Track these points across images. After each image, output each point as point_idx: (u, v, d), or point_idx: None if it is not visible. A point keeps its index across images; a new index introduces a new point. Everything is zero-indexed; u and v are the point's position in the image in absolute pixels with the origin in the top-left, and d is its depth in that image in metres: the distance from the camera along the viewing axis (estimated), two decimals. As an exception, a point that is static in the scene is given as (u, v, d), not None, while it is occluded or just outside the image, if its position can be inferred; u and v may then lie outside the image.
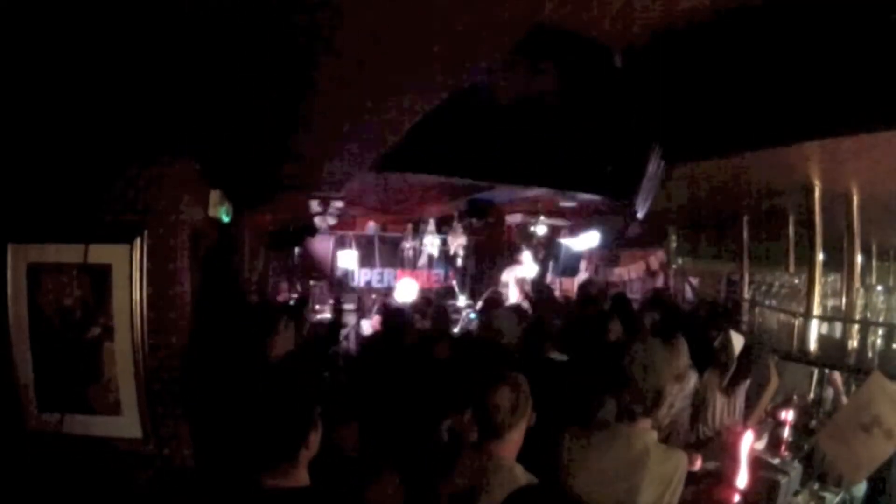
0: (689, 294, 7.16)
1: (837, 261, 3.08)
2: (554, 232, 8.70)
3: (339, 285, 8.25)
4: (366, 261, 9.83)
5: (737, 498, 2.93)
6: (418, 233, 9.84)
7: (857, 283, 2.99)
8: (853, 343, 2.88)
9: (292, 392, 1.75)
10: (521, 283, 7.68)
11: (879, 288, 3.29)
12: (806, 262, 3.15)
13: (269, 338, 2.99)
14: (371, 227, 9.83)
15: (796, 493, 3.11)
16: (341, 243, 9.57)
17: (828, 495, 3.18)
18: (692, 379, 3.53)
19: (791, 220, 3.63)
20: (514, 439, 2.09)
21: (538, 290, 5.91)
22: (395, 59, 1.93)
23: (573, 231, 8.63)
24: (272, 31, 1.72)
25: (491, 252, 10.41)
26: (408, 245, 10.01)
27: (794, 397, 3.88)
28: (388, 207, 8.22)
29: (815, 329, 2.97)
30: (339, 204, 6.71)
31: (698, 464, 2.97)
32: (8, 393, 2.72)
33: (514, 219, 8.53)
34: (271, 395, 1.72)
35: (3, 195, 2.72)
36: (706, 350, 3.80)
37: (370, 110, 2.53)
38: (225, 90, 2.27)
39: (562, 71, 3.71)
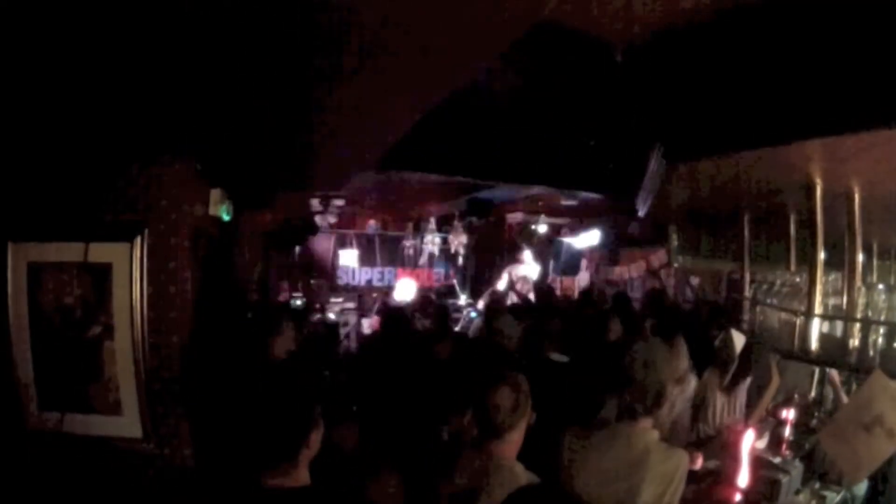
0: (690, 293, 7.17)
1: (838, 259, 3.07)
2: (555, 231, 8.70)
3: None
4: (366, 259, 9.84)
5: (738, 497, 2.93)
6: (419, 231, 9.85)
7: (858, 281, 2.98)
8: (854, 342, 2.87)
9: (293, 391, 1.75)
10: (521, 281, 7.68)
11: (881, 287, 3.28)
12: (807, 260, 3.15)
13: (272, 338, 2.99)
14: (372, 225, 9.84)
15: (797, 492, 3.11)
16: (342, 242, 9.58)
17: (829, 494, 3.18)
18: (692, 381, 3.53)
19: (792, 218, 3.62)
20: (515, 439, 2.09)
21: (540, 290, 5.91)
22: (395, 57, 1.93)
23: (574, 230, 8.62)
24: (272, 31, 1.72)
25: (492, 251, 10.41)
26: (408, 244, 10.01)
27: (796, 396, 3.87)
28: (388, 206, 8.22)
29: (816, 328, 2.96)
30: (339, 202, 6.72)
31: (699, 463, 2.97)
32: (8, 392, 2.72)
33: (514, 217, 8.53)
34: (272, 394, 1.72)
35: (3, 194, 2.72)
36: (707, 349, 3.80)
37: (371, 109, 2.53)
38: (225, 89, 2.27)
39: (562, 69, 3.70)
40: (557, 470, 2.25)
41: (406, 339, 4.16)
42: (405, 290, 8.61)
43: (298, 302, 7.63)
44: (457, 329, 7.11)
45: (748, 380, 3.64)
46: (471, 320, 7.59)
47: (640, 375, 2.20)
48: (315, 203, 6.71)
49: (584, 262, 9.13)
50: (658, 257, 7.95)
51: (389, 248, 10.11)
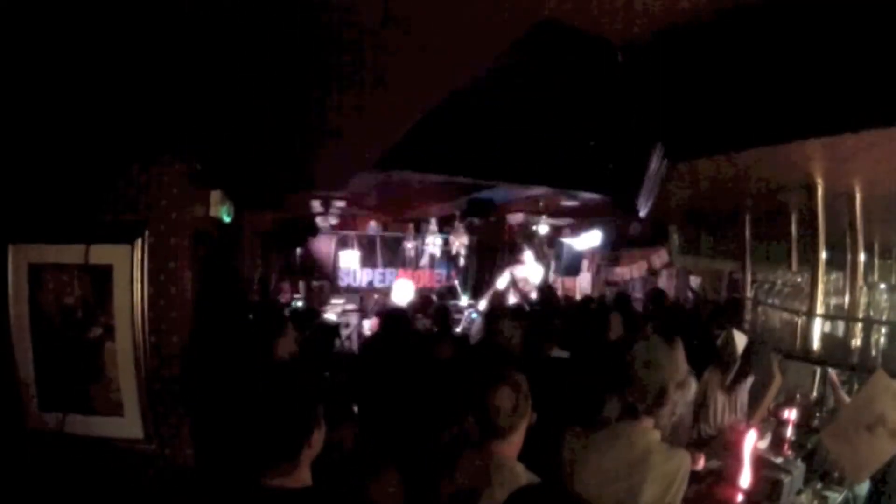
0: (690, 294, 7.16)
1: (840, 259, 3.07)
2: (556, 231, 8.70)
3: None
4: (368, 261, 9.84)
5: (740, 497, 2.92)
6: (420, 232, 9.85)
7: (860, 281, 2.98)
8: (856, 342, 2.86)
9: (295, 391, 1.74)
10: (522, 281, 7.68)
11: (883, 286, 3.28)
12: (808, 260, 3.15)
13: (275, 340, 2.99)
14: (372, 226, 9.84)
15: (799, 492, 3.10)
16: (343, 243, 9.59)
17: (831, 494, 3.17)
18: (693, 384, 3.52)
19: (793, 218, 3.61)
20: (515, 439, 2.09)
21: (542, 291, 5.91)
22: (396, 57, 1.93)
23: (575, 230, 8.62)
24: (273, 32, 1.72)
25: (492, 251, 10.41)
26: (409, 245, 10.02)
27: (797, 396, 3.87)
28: (389, 207, 8.22)
29: (818, 328, 2.95)
30: (340, 204, 6.72)
31: (701, 463, 2.97)
32: (9, 393, 2.72)
33: (515, 218, 8.52)
34: (274, 394, 1.71)
35: (4, 196, 2.72)
36: (709, 349, 3.79)
37: (371, 109, 2.53)
38: (225, 90, 2.27)
39: (563, 69, 3.70)
40: (558, 470, 2.25)
41: (406, 340, 4.16)
42: (403, 292, 8.62)
43: (300, 303, 7.64)
44: (458, 330, 7.11)
45: (749, 379, 3.63)
46: (472, 321, 7.59)
47: (641, 374, 2.20)
48: (316, 204, 6.72)
49: (585, 263, 9.13)
50: (659, 257, 7.95)
51: (390, 249, 10.11)
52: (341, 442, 2.30)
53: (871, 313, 3.07)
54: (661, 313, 4.68)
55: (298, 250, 7.96)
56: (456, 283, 9.88)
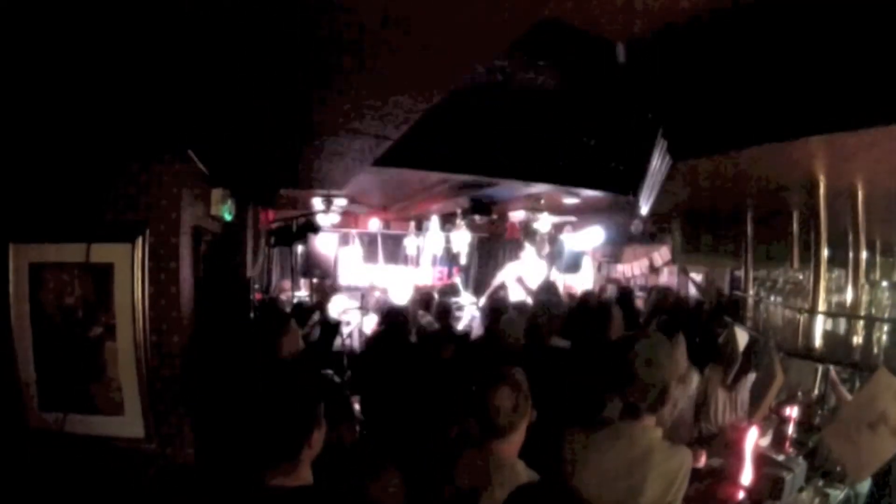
0: (692, 291, 7.15)
1: (841, 257, 3.06)
2: (557, 229, 8.69)
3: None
4: (369, 258, 9.84)
5: (741, 495, 2.92)
6: (421, 230, 9.85)
7: (862, 279, 2.96)
8: (858, 339, 2.85)
9: (295, 391, 1.74)
10: (522, 280, 7.68)
11: (885, 284, 3.26)
12: (810, 258, 3.14)
13: (280, 337, 3.00)
14: (374, 224, 9.84)
15: (801, 490, 3.10)
16: (344, 241, 9.58)
17: (832, 492, 3.17)
18: (694, 379, 3.52)
19: (795, 215, 3.60)
20: (516, 438, 2.09)
21: (543, 288, 5.90)
22: (396, 55, 1.92)
23: (577, 228, 8.62)
24: (273, 29, 1.72)
25: (494, 249, 10.41)
26: (411, 243, 10.01)
27: (799, 394, 3.86)
28: (390, 205, 8.21)
29: (819, 325, 2.94)
30: (341, 202, 6.72)
31: (703, 460, 2.97)
32: (10, 392, 2.72)
33: (517, 216, 8.52)
34: (274, 394, 1.71)
35: (4, 195, 2.72)
36: (711, 346, 3.79)
37: (372, 107, 2.52)
38: (226, 88, 2.27)
39: (565, 66, 3.70)
40: (560, 468, 2.25)
41: (407, 338, 4.16)
42: (402, 289, 8.62)
43: (304, 300, 7.64)
44: (460, 327, 7.11)
45: (750, 377, 3.63)
46: (473, 318, 7.60)
47: (642, 373, 2.19)
48: (317, 202, 6.71)
49: (586, 261, 9.13)
50: (660, 255, 7.95)
51: (392, 246, 10.11)
52: (342, 441, 2.30)
53: (873, 311, 3.06)
54: (664, 310, 4.67)
55: (300, 248, 7.95)
56: (457, 280, 9.88)
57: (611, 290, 7.24)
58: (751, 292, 4.09)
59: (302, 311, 5.71)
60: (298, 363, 2.93)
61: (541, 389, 2.21)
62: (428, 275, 10.05)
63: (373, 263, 9.83)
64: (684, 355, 3.36)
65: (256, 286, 6.33)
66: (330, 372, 3.88)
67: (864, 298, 3.03)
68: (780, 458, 3.17)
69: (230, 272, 4.20)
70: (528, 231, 8.61)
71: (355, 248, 9.66)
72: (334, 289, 7.69)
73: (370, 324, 7.51)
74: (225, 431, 2.50)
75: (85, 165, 2.80)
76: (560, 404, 2.57)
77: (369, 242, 9.92)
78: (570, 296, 8.01)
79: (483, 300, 7.86)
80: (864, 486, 3.18)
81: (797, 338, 2.99)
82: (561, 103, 4.39)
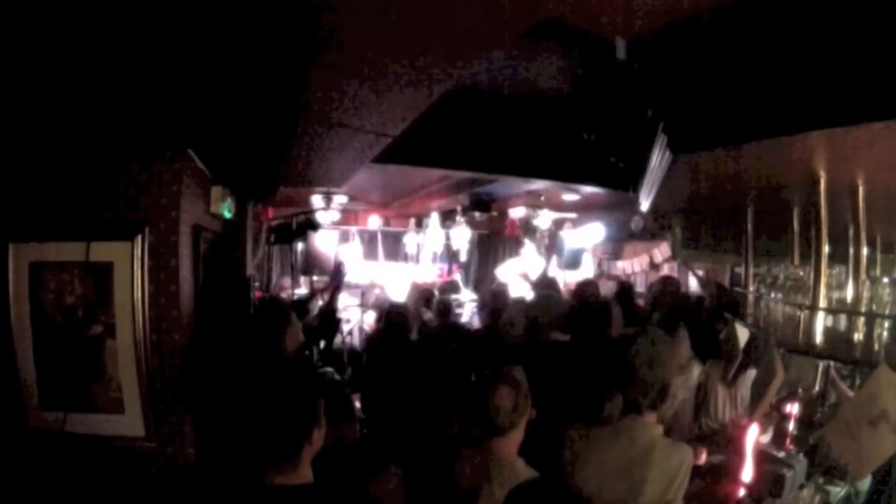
0: (693, 287, 7.14)
1: (841, 253, 3.06)
2: (557, 225, 8.69)
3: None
4: (369, 256, 9.84)
5: (742, 492, 2.92)
6: (421, 227, 9.84)
7: (862, 275, 2.96)
8: (859, 336, 2.85)
9: (295, 390, 1.74)
10: (526, 276, 7.68)
11: (885, 280, 3.26)
12: (810, 254, 3.13)
13: (283, 331, 3.00)
14: (374, 221, 9.83)
15: (801, 487, 3.10)
16: (344, 238, 9.58)
17: (833, 489, 3.17)
18: (695, 370, 3.52)
19: (796, 212, 3.60)
20: (515, 437, 2.09)
21: (543, 284, 5.89)
22: (397, 53, 1.92)
23: (577, 224, 8.61)
24: (273, 27, 1.71)
25: (494, 246, 10.40)
26: (411, 240, 10.01)
27: (800, 390, 3.86)
28: (390, 202, 8.21)
29: (820, 322, 2.94)
30: (341, 199, 6.71)
31: (703, 458, 2.97)
32: (10, 391, 2.72)
33: (517, 212, 8.51)
34: (274, 392, 1.71)
35: (3, 194, 2.71)
36: (712, 342, 3.78)
37: (372, 104, 2.52)
38: (226, 86, 2.26)
39: (565, 62, 3.69)
40: (561, 465, 2.24)
41: (407, 336, 4.15)
42: (398, 285, 8.61)
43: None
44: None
45: (750, 372, 3.63)
46: (473, 315, 7.60)
47: (643, 371, 2.19)
48: (317, 199, 6.71)
49: (586, 257, 9.12)
50: (661, 251, 7.94)
51: (392, 243, 10.11)
52: (343, 439, 2.30)
53: (874, 307, 3.06)
54: (665, 304, 4.65)
55: (300, 246, 7.94)
56: (458, 277, 9.88)
57: (610, 286, 7.23)
58: (751, 289, 4.09)
59: (300, 305, 5.70)
60: (298, 362, 2.93)
61: (541, 387, 2.20)
62: (428, 272, 10.04)
63: (373, 261, 9.82)
64: (687, 347, 3.36)
65: (256, 284, 6.32)
66: (330, 370, 3.88)
67: (865, 295, 3.03)
68: (781, 455, 3.17)
69: (230, 270, 4.20)
70: (528, 228, 8.61)
71: (355, 246, 9.65)
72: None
73: (370, 321, 7.51)
74: (225, 430, 2.50)
75: (84, 164, 2.79)
76: (560, 402, 2.56)
77: (369, 240, 9.91)
78: (571, 292, 8.02)
79: (483, 297, 7.87)
80: (865, 483, 3.19)
81: (798, 334, 2.99)
82: (561, 99, 4.39)
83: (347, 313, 7.73)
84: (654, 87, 2.76)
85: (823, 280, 2.97)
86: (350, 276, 9.35)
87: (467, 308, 8.16)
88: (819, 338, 2.92)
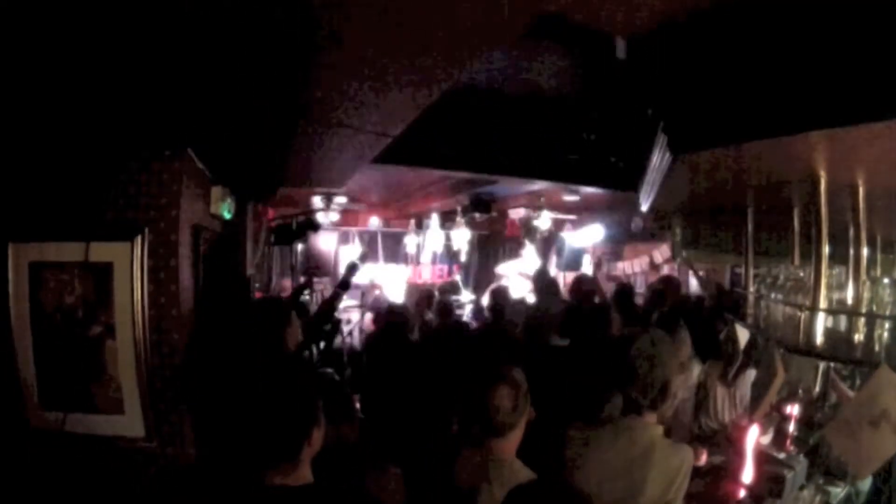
0: (693, 287, 7.14)
1: (842, 253, 3.05)
2: (557, 226, 8.68)
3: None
4: (369, 257, 9.84)
5: (742, 492, 2.92)
6: (421, 228, 9.85)
7: (863, 275, 2.95)
8: (859, 336, 2.85)
9: (294, 389, 1.74)
10: (525, 276, 7.69)
11: (886, 281, 3.25)
12: (810, 254, 3.13)
13: (284, 330, 3.00)
14: (374, 222, 9.83)
15: (802, 488, 3.10)
16: (344, 239, 9.58)
17: (833, 490, 3.17)
18: (695, 369, 3.52)
19: (796, 212, 3.59)
20: (515, 437, 2.09)
21: (542, 282, 5.89)
22: (396, 53, 1.91)
23: (577, 225, 8.61)
24: (273, 26, 1.71)
25: (494, 246, 10.40)
26: (411, 240, 10.01)
27: (800, 391, 3.86)
28: (390, 203, 8.21)
29: (821, 322, 2.93)
30: (341, 199, 6.71)
31: (704, 458, 2.96)
32: (10, 391, 2.72)
33: (517, 213, 8.51)
34: (273, 392, 1.71)
35: (3, 194, 2.71)
36: (712, 342, 3.78)
37: (372, 104, 2.51)
38: (225, 86, 2.26)
39: (565, 62, 3.69)
40: (561, 465, 2.24)
41: (406, 336, 4.15)
42: (396, 286, 8.61)
43: (305, 297, 7.63)
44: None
45: (749, 372, 3.63)
46: (474, 316, 7.60)
47: (643, 371, 2.19)
48: (317, 200, 6.71)
49: (586, 258, 9.12)
50: (661, 252, 7.93)
51: (392, 244, 10.11)
52: (344, 439, 2.29)
53: (874, 308, 3.05)
54: (668, 305, 4.65)
55: (300, 246, 7.95)
56: (458, 278, 9.88)
57: (610, 286, 7.23)
58: (751, 289, 4.08)
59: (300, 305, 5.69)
60: (298, 361, 2.93)
61: (541, 388, 2.20)
62: (427, 272, 10.04)
63: (373, 261, 9.83)
64: (688, 347, 3.36)
65: (256, 285, 6.31)
66: (330, 370, 3.88)
67: (866, 295, 3.02)
68: (781, 455, 3.17)
69: (230, 271, 4.20)
70: (528, 228, 8.61)
71: (355, 247, 9.66)
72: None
73: (369, 321, 7.51)
74: (225, 430, 2.49)
75: (84, 164, 2.79)
76: (560, 403, 2.56)
77: (369, 240, 9.92)
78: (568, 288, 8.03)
79: (485, 299, 7.87)
80: (866, 483, 3.18)
81: (798, 335, 2.98)
82: (561, 99, 4.38)
83: (348, 313, 7.73)
84: (654, 87, 2.76)
85: (824, 280, 2.96)
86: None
87: (467, 309, 8.16)
88: (819, 338, 2.91)
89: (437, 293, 7.06)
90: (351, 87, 2.28)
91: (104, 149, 2.79)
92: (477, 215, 7.28)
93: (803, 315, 2.99)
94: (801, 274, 3.47)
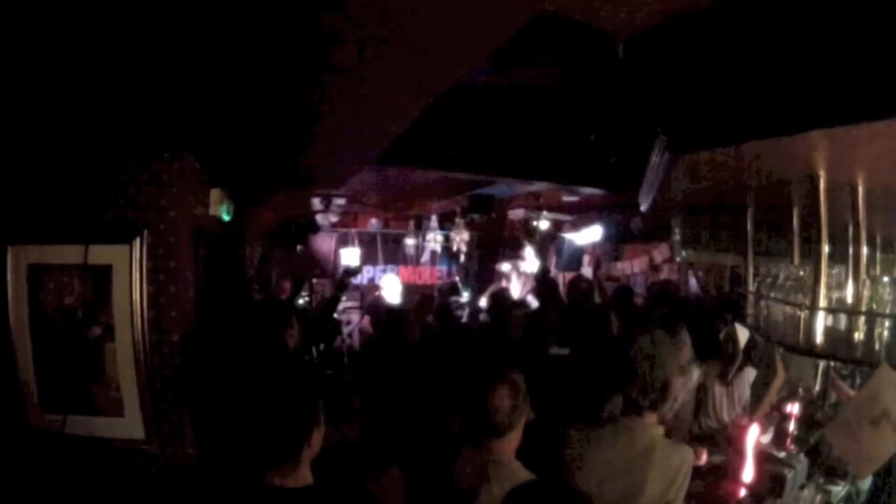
0: (693, 287, 7.14)
1: (841, 252, 3.05)
2: (556, 226, 8.68)
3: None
4: (368, 258, 9.83)
5: (742, 492, 2.92)
6: (421, 229, 9.84)
7: (863, 274, 2.96)
8: (859, 335, 2.85)
9: (294, 390, 1.73)
10: (524, 276, 7.69)
11: (886, 279, 3.26)
12: (810, 253, 3.13)
13: (285, 330, 3.00)
14: (373, 223, 9.82)
15: (802, 487, 3.10)
16: (343, 240, 9.57)
17: (833, 489, 3.17)
18: (695, 372, 3.52)
19: (796, 211, 3.59)
20: (514, 437, 2.09)
21: (542, 283, 5.89)
22: (394, 52, 1.91)
23: (576, 225, 8.61)
24: (273, 29, 1.71)
25: (494, 247, 10.40)
26: (410, 242, 10.00)
27: (800, 390, 3.86)
28: (390, 204, 8.21)
29: (821, 321, 2.93)
30: (340, 201, 6.71)
31: (704, 458, 2.96)
32: (10, 394, 2.71)
33: (516, 214, 8.51)
34: (273, 392, 1.71)
35: (2, 196, 2.71)
36: (712, 343, 3.78)
37: (371, 105, 2.51)
38: (224, 88, 2.26)
39: (563, 61, 3.68)
40: (562, 465, 2.24)
41: (406, 337, 4.15)
42: (391, 288, 8.61)
43: (301, 301, 7.63)
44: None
45: (747, 370, 3.63)
46: (470, 318, 7.59)
47: (644, 370, 2.19)
48: (316, 202, 6.71)
49: (585, 258, 9.12)
50: (660, 252, 7.93)
51: (391, 246, 10.10)
52: (344, 439, 2.29)
53: (874, 307, 3.05)
54: (666, 306, 4.66)
55: (299, 248, 7.95)
56: (457, 279, 9.87)
57: (608, 287, 7.23)
58: (751, 288, 4.08)
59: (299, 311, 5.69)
60: (297, 362, 2.93)
61: (541, 391, 2.20)
62: (427, 274, 10.05)
63: (372, 263, 9.82)
64: (689, 350, 3.36)
65: (256, 286, 6.31)
66: (330, 371, 3.88)
67: (866, 294, 3.02)
68: (782, 455, 3.17)
69: (229, 272, 4.19)
70: (527, 229, 8.61)
71: (354, 248, 9.65)
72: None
73: (367, 323, 7.50)
74: (224, 431, 2.49)
75: (83, 166, 2.78)
76: (560, 404, 2.56)
77: (368, 242, 9.91)
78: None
79: (484, 300, 7.87)
80: (866, 482, 3.18)
81: (798, 334, 2.98)
82: (560, 100, 4.38)
83: (348, 314, 7.73)
84: (654, 87, 2.75)
85: (824, 279, 2.96)
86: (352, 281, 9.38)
87: (467, 310, 8.16)
88: (819, 337, 2.91)
89: (437, 294, 7.06)
90: (350, 88, 2.28)
91: (104, 150, 2.78)
92: (476, 216, 7.27)
93: (803, 314, 2.99)
94: (801, 273, 3.47)
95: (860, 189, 2.84)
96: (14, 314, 2.72)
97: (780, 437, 3.43)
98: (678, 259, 7.02)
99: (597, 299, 5.58)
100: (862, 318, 2.85)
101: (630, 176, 4.06)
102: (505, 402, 2.04)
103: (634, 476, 2.12)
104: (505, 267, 9.33)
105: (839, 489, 3.16)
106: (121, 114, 2.48)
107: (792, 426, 3.47)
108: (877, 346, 2.76)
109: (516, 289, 8.79)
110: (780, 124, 2.01)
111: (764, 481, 2.93)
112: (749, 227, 4.13)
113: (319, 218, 7.11)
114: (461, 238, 8.89)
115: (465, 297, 8.87)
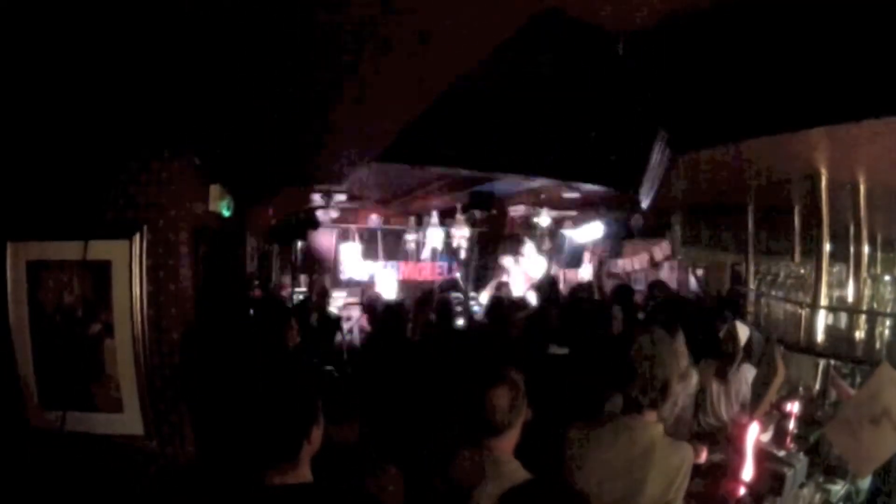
0: (693, 286, 7.14)
1: (842, 251, 3.05)
2: (557, 223, 8.68)
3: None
4: (369, 254, 9.83)
5: (742, 490, 2.92)
6: (421, 225, 9.83)
7: (863, 273, 2.96)
8: (860, 334, 2.85)
9: (293, 388, 1.73)
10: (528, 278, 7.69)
11: (886, 278, 3.26)
12: (811, 252, 3.13)
13: (285, 328, 3.00)
14: (373, 219, 9.82)
15: (802, 486, 3.10)
16: (344, 237, 9.57)
17: (833, 488, 3.17)
18: (694, 376, 3.51)
19: (797, 210, 3.59)
20: (512, 436, 2.09)
21: (546, 292, 5.89)
22: (395, 49, 1.90)
23: (577, 223, 8.60)
24: (274, 28, 1.70)
25: (494, 244, 10.40)
26: (411, 238, 10.00)
27: (800, 389, 3.86)
28: (390, 200, 8.20)
29: (821, 320, 2.93)
30: (341, 197, 6.71)
31: (704, 456, 2.96)
32: (10, 391, 2.71)
33: (517, 210, 8.50)
34: (273, 390, 1.70)
35: (2, 193, 2.70)
36: (712, 341, 3.78)
37: (372, 102, 2.51)
38: (226, 85, 2.25)
39: (564, 58, 3.67)
40: (562, 464, 2.24)
41: (405, 335, 4.15)
42: (386, 283, 8.61)
43: (301, 297, 7.63)
44: (460, 322, 7.09)
45: (745, 367, 3.63)
46: (474, 314, 7.59)
47: (644, 369, 2.18)
48: (317, 198, 6.70)
49: (586, 255, 9.12)
50: (661, 249, 7.93)
51: (391, 242, 10.10)
52: (344, 439, 2.29)
53: (875, 305, 3.05)
54: (664, 305, 4.66)
55: (299, 244, 7.94)
56: (458, 276, 9.87)
57: (609, 284, 7.23)
58: (752, 287, 4.08)
59: (303, 309, 5.70)
60: (296, 361, 2.93)
61: (540, 391, 2.20)
62: (428, 270, 10.04)
63: (373, 259, 9.82)
64: (685, 356, 3.36)
65: (255, 283, 6.31)
66: (330, 369, 3.88)
67: (866, 293, 3.02)
68: (781, 453, 3.16)
69: (229, 269, 4.19)
70: (528, 226, 8.60)
71: (355, 244, 9.65)
72: (325, 289, 7.62)
73: (364, 320, 7.50)
74: (224, 429, 2.49)
75: (83, 162, 2.78)
76: (560, 404, 2.56)
77: (369, 238, 9.90)
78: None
79: (484, 296, 7.87)
80: (865, 481, 3.18)
81: (799, 332, 2.98)
82: (561, 97, 4.37)
83: (347, 311, 7.73)
84: (655, 85, 2.75)
85: (824, 278, 2.96)
86: (350, 274, 9.38)
87: (467, 306, 8.15)
88: (820, 336, 2.91)
89: (437, 290, 7.05)
90: (350, 86, 2.27)
91: (103, 147, 2.78)
92: (477, 213, 7.27)
93: (804, 313, 2.99)
94: (802, 271, 3.47)
95: (861, 188, 2.84)
96: (13, 311, 2.72)
97: (779, 436, 3.42)
98: (679, 257, 7.02)
99: (597, 297, 5.58)
100: (863, 317, 2.86)
101: (631, 173, 4.06)
102: (503, 402, 2.04)
103: (634, 475, 2.12)
104: (506, 261, 9.32)
105: (839, 488, 3.16)
106: (121, 111, 2.48)
107: (792, 425, 3.46)
108: (877, 345, 2.76)
109: (516, 283, 8.77)
110: (782, 122, 2.00)
111: (764, 480, 2.93)
112: (750, 225, 4.13)
113: (320, 214, 7.11)
114: (461, 234, 8.88)
115: (465, 293, 8.87)
